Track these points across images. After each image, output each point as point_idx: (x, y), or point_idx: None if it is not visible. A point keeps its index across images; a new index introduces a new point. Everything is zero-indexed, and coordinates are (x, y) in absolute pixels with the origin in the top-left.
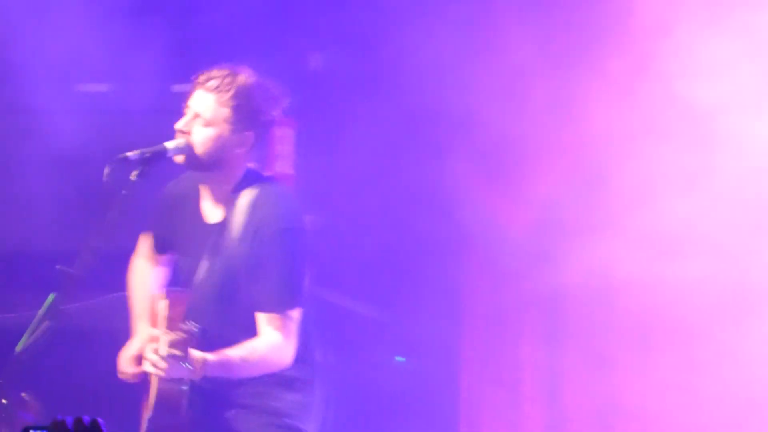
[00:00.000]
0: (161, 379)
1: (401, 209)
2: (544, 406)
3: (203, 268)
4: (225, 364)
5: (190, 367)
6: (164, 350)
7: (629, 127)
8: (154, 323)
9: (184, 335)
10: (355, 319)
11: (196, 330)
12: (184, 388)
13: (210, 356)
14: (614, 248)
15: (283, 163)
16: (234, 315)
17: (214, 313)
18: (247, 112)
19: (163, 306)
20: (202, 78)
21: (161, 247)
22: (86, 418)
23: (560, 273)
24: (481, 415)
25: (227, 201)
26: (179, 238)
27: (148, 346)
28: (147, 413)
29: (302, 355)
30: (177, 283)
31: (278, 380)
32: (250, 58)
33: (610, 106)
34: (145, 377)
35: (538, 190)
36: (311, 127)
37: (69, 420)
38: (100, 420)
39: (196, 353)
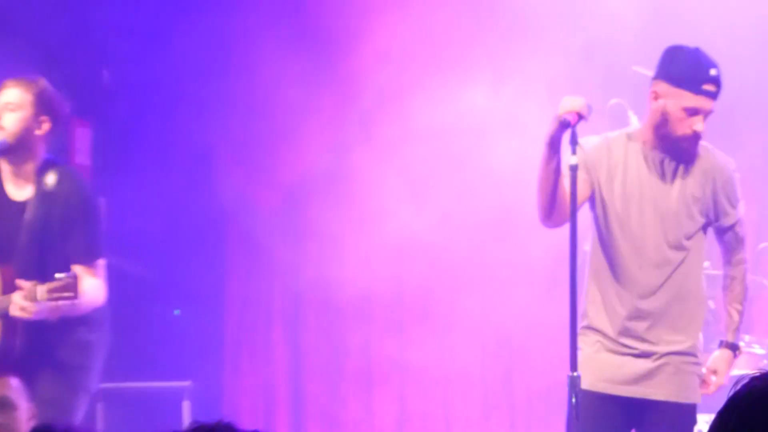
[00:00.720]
0: (2, 322)
1: (177, 193)
2: (289, 346)
3: (20, 239)
4: (57, 307)
5: (73, 300)
6: (43, 296)
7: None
8: None
9: (71, 281)
10: (140, 280)
11: (75, 274)
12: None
13: (50, 303)
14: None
15: (81, 156)
16: (53, 272)
17: (37, 274)
18: (42, 101)
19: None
20: (2, 84)
21: None
22: None
23: (301, 244)
24: (241, 354)
25: (33, 182)
26: None
27: (17, 295)
28: None
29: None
30: None
31: (83, 320)
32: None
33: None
34: None
35: (285, 179)
36: (103, 128)
37: None
38: None
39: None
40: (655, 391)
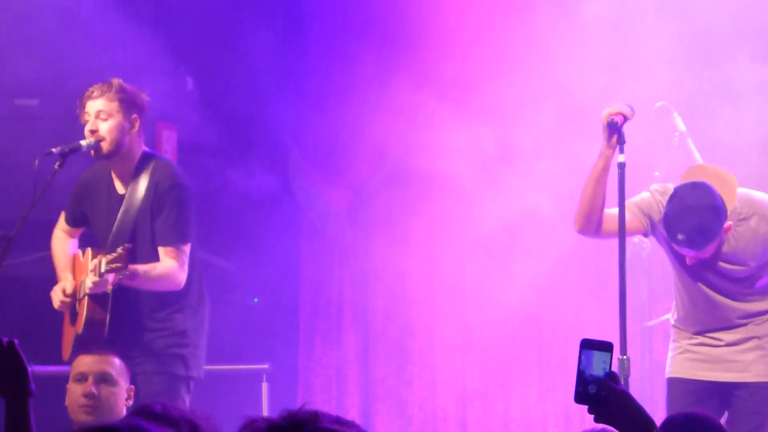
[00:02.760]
0: (90, 299)
1: (256, 190)
2: (359, 331)
3: (116, 227)
4: (133, 274)
5: (126, 273)
6: (104, 268)
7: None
8: (76, 273)
9: (122, 252)
10: (222, 271)
11: (129, 246)
12: (108, 291)
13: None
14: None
15: (169, 158)
16: (138, 253)
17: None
18: (128, 101)
19: (88, 256)
20: (85, 94)
21: (75, 222)
22: (4, 339)
23: (370, 236)
24: (314, 339)
25: (131, 177)
26: (92, 212)
27: (89, 274)
28: (73, 333)
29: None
30: (93, 243)
31: (179, 304)
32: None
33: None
34: (71, 306)
35: (355, 175)
36: (187, 131)
37: None
38: (15, 341)
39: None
40: (744, 375)
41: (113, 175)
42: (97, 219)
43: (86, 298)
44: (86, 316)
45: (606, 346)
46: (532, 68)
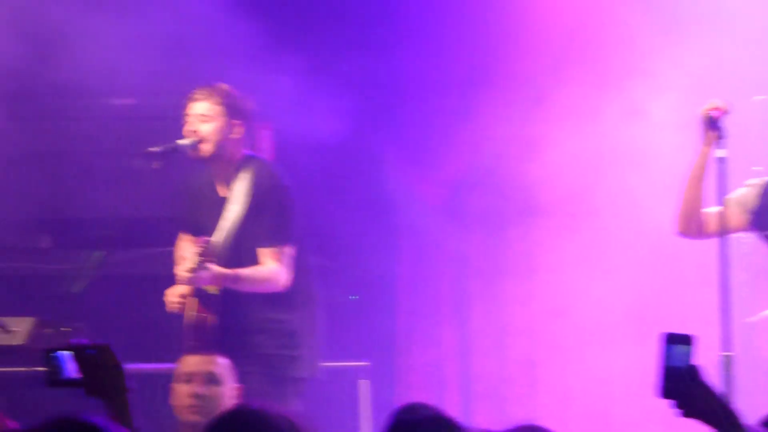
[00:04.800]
0: (198, 299)
1: (353, 188)
2: (457, 329)
3: (219, 228)
4: (236, 277)
5: (214, 269)
6: (194, 261)
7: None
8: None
9: (206, 246)
10: (321, 269)
11: (215, 242)
12: (214, 292)
13: (227, 270)
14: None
15: (266, 156)
16: (242, 255)
17: (229, 255)
18: (231, 106)
19: (189, 246)
20: (190, 96)
21: (194, 232)
22: (98, 343)
23: (466, 234)
24: (413, 337)
25: (231, 179)
26: (200, 217)
27: (180, 267)
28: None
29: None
30: None
31: (287, 305)
32: (241, 77)
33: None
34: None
35: (451, 173)
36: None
37: (84, 340)
38: (108, 344)
39: (215, 267)
40: None
41: (214, 179)
42: (204, 224)
43: (193, 298)
44: (194, 315)
45: (687, 340)
46: (629, 66)
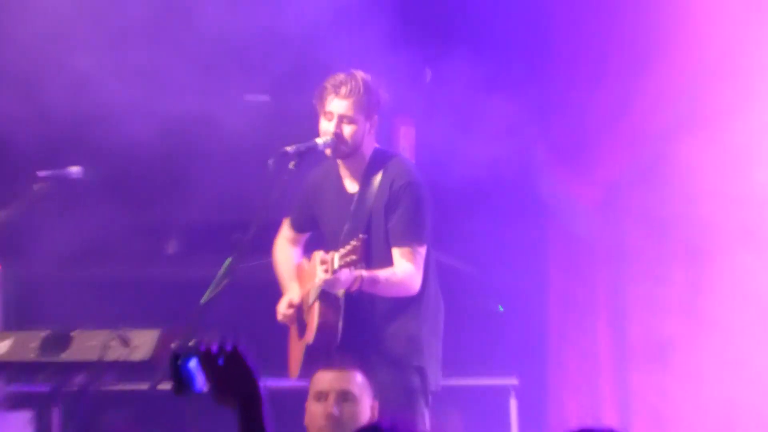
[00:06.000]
0: (321, 303)
1: (498, 190)
2: (615, 341)
3: (348, 227)
4: (374, 280)
5: (361, 272)
6: (337, 263)
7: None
8: (303, 282)
9: (356, 244)
10: (465, 276)
11: (365, 237)
12: (340, 295)
13: (364, 272)
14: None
15: (407, 155)
16: (372, 255)
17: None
18: (372, 103)
19: (316, 260)
20: (330, 87)
21: (301, 227)
22: (228, 345)
23: (623, 237)
24: (566, 350)
25: (362, 175)
26: (322, 213)
27: (319, 268)
28: (303, 345)
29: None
30: (320, 247)
31: (416, 311)
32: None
33: (675, 97)
34: (298, 318)
35: (606, 173)
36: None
37: (214, 346)
38: (240, 346)
39: (357, 269)
40: None
41: (342, 174)
42: (326, 220)
43: (316, 303)
44: (317, 322)
45: None
46: None
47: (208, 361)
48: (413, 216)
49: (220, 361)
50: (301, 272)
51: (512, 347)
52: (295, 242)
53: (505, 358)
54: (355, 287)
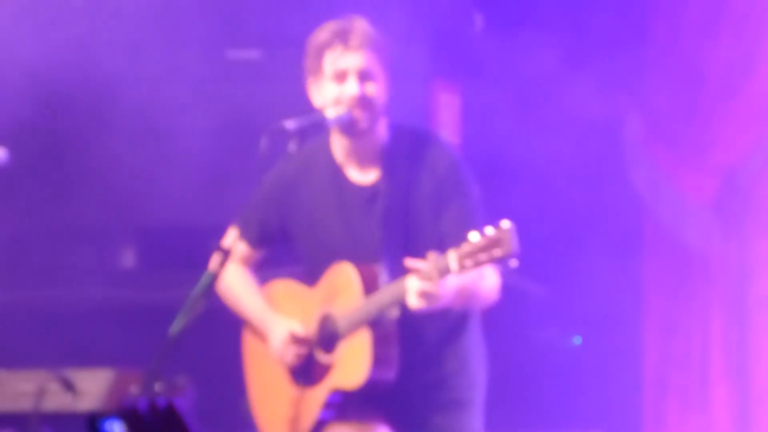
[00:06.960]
0: (374, 331)
1: (571, 182)
2: (734, 386)
3: (375, 231)
4: (473, 292)
5: (452, 284)
6: (455, 265)
7: None
8: (290, 312)
9: (436, 261)
10: (526, 296)
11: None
12: (393, 317)
13: (466, 284)
14: None
15: (448, 132)
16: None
17: (399, 262)
18: (388, 57)
19: (346, 274)
20: (332, 37)
21: (261, 240)
22: (161, 401)
23: (748, 244)
24: (667, 397)
25: (382, 159)
26: (309, 217)
27: (412, 280)
28: (320, 393)
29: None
30: (313, 253)
31: (467, 340)
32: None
33: None
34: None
35: (722, 160)
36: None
37: (142, 403)
38: (177, 401)
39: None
40: None
41: (345, 159)
42: (316, 228)
43: (365, 332)
44: (372, 358)
45: None
46: None
47: (134, 422)
48: (475, 209)
49: (150, 422)
50: (278, 299)
51: (595, 393)
52: (247, 262)
53: (586, 408)
54: (456, 303)
